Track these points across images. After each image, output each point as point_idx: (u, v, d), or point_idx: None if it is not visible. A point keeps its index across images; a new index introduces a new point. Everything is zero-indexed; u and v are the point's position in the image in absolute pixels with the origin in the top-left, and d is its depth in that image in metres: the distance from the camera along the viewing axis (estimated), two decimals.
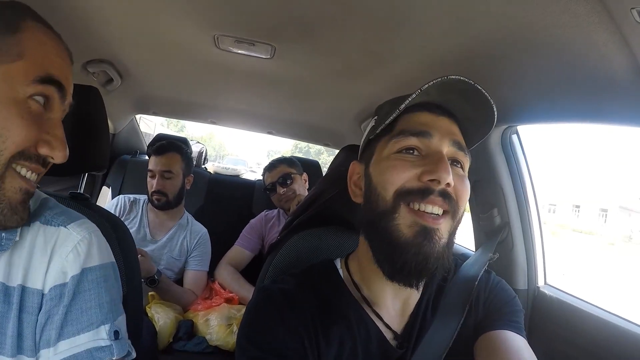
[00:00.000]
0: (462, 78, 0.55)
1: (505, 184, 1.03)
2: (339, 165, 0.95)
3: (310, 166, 2.09)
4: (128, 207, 1.65)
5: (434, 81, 0.55)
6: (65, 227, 0.59)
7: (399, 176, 0.56)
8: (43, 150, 0.52)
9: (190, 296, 1.54)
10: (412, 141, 0.57)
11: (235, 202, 2.13)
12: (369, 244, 0.61)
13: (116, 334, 0.58)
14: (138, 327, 0.90)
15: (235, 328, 1.42)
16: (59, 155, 0.53)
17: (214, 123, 2.15)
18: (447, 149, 0.57)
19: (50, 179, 0.86)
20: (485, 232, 1.08)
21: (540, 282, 1.03)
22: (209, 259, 1.67)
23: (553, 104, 0.83)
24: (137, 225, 1.61)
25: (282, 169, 1.82)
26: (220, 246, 1.74)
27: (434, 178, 0.54)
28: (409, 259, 0.53)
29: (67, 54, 0.57)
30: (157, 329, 1.31)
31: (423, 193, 0.54)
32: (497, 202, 1.04)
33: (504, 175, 1.04)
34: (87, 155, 0.83)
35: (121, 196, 1.71)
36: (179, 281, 1.60)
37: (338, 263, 0.68)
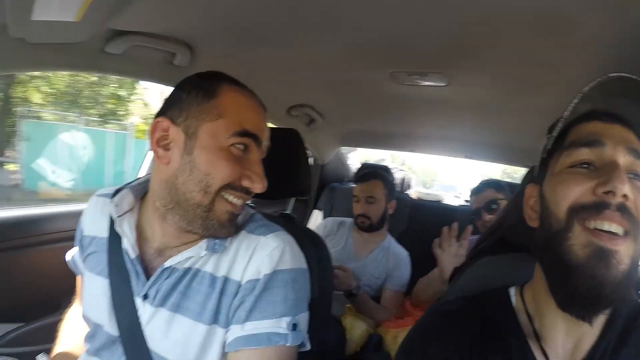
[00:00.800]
0: (622, 75, 0.49)
1: None
2: (522, 189, 0.90)
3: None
4: (336, 228, 1.92)
5: (593, 83, 0.51)
6: (264, 236, 0.71)
7: (571, 190, 0.51)
8: (245, 183, 0.67)
9: (384, 313, 1.64)
10: (584, 153, 0.52)
11: (436, 227, 2.11)
12: (543, 268, 0.56)
13: (294, 326, 0.67)
14: (322, 328, 1.05)
15: None
16: (257, 186, 0.68)
17: (412, 151, 2.24)
18: (623, 158, 0.51)
19: (266, 202, 1.14)
20: None
21: None
22: (406, 281, 1.74)
23: None
24: (342, 244, 1.84)
25: (488, 194, 1.71)
26: (419, 269, 1.77)
27: (608, 189, 0.48)
28: (580, 283, 0.48)
29: (260, 106, 0.70)
30: (348, 336, 1.46)
31: (598, 207, 0.48)
32: None
33: None
34: (291, 184, 1.04)
35: (330, 218, 2.01)
36: (376, 298, 1.72)
37: (512, 291, 0.65)
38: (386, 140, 2.20)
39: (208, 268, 0.70)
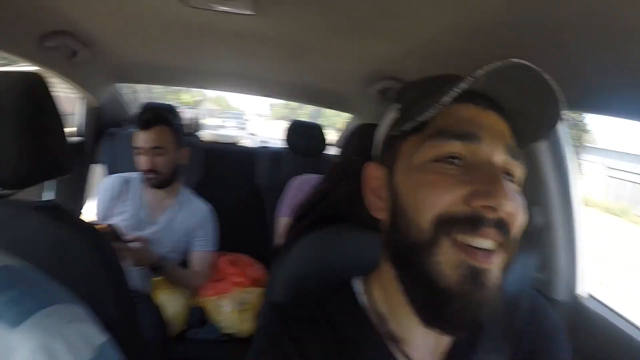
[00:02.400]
0: (526, 63, 0.40)
1: (548, 178, 0.90)
2: (352, 152, 0.81)
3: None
4: (121, 188, 1.52)
5: (491, 67, 0.39)
6: (15, 326, 0.38)
7: (439, 198, 0.41)
8: None
9: (200, 278, 1.48)
10: (456, 147, 0.42)
11: (237, 174, 2.01)
12: (399, 278, 0.47)
13: None
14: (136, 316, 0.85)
15: (250, 314, 1.38)
16: None
17: (203, 88, 1.95)
18: (498, 157, 0.43)
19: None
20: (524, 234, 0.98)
21: (583, 294, 0.93)
22: (215, 238, 1.57)
23: (617, 94, 0.68)
24: (134, 208, 1.49)
25: None
26: (226, 221, 1.64)
27: (489, 205, 0.40)
28: (452, 308, 0.41)
29: None
30: (167, 317, 1.27)
31: (473, 223, 0.40)
32: (537, 198, 0.92)
33: (547, 167, 0.90)
34: (45, 161, 0.66)
35: (114, 176, 1.56)
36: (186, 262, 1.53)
37: (356, 285, 0.56)
38: (172, 76, 1.80)
39: None
